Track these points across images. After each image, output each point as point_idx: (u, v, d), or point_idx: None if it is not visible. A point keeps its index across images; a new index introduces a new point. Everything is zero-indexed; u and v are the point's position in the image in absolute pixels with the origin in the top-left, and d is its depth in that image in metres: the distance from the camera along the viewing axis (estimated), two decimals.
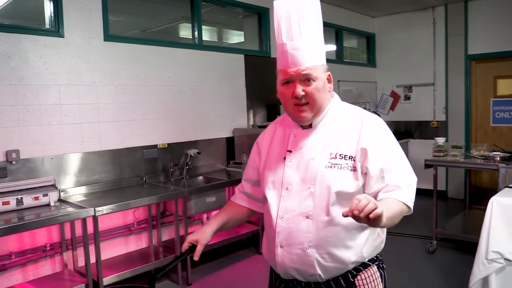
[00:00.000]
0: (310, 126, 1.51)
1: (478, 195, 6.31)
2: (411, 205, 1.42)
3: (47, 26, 3.50)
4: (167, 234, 4.25)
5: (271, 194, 1.53)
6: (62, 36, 3.51)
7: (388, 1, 6.54)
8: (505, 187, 3.42)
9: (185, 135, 4.47)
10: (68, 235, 3.49)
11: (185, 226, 3.81)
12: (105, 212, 3.16)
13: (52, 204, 3.15)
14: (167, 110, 4.30)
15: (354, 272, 1.48)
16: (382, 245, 1.56)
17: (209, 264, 4.31)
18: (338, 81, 6.48)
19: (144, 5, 4.71)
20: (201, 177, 4.52)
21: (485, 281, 2.91)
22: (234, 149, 4.93)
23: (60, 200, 3.32)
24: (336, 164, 1.42)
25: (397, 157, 1.46)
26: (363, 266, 1.49)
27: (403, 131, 7.35)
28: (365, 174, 1.42)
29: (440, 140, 4.88)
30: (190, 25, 4.71)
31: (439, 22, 6.85)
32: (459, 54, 6.62)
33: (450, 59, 6.74)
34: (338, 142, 1.45)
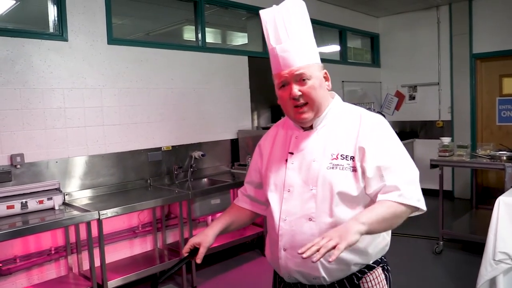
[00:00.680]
0: (311, 127, 1.50)
1: (485, 195, 6.26)
2: (417, 204, 1.36)
3: (51, 30, 3.51)
4: (172, 237, 4.25)
5: (273, 197, 1.52)
6: (66, 40, 3.52)
7: (391, 1, 6.50)
8: (511, 186, 3.39)
9: (189, 137, 4.47)
10: (72, 239, 3.50)
11: (190, 229, 3.80)
12: (109, 215, 3.16)
13: (56, 207, 3.16)
14: (171, 113, 4.30)
15: (359, 275, 1.46)
16: (387, 248, 1.54)
17: (214, 267, 4.30)
18: (343, 81, 6.46)
19: (148, 8, 4.71)
20: (205, 179, 4.52)
21: (493, 282, 2.87)
22: (238, 151, 4.92)
23: (64, 203, 3.33)
24: (338, 165, 1.41)
25: (396, 155, 1.42)
26: (368, 268, 1.48)
27: (409, 131, 7.31)
28: (364, 174, 1.39)
29: (446, 140, 4.84)
30: (193, 27, 4.71)
31: (444, 21, 6.81)
32: (464, 53, 6.58)
33: (455, 58, 6.70)
34: (339, 143, 1.44)
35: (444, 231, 4.53)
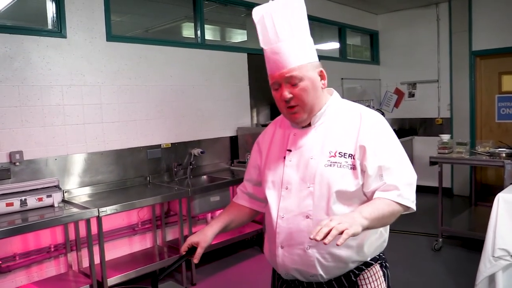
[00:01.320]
0: (309, 125, 1.49)
1: (484, 192, 6.26)
2: (412, 205, 1.39)
3: (49, 27, 3.50)
4: (171, 234, 4.25)
5: (271, 194, 1.52)
6: (65, 37, 3.51)
7: None
8: (511, 183, 3.39)
9: (188, 134, 4.46)
10: (72, 236, 3.50)
11: (189, 226, 3.81)
12: (109, 212, 3.16)
13: (56, 205, 3.16)
14: (171, 110, 4.30)
15: (356, 272, 1.46)
16: (385, 244, 1.54)
17: (214, 264, 4.30)
18: (342, 79, 6.46)
19: (147, 5, 4.70)
20: (205, 177, 4.52)
21: (492, 278, 2.88)
22: (238, 148, 4.92)
23: (64, 201, 3.33)
24: (336, 162, 1.40)
25: (396, 155, 1.42)
26: (365, 265, 1.48)
27: (408, 129, 7.31)
28: (364, 172, 1.39)
29: (445, 137, 4.84)
30: (192, 24, 4.70)
31: (443, 19, 6.80)
32: (463, 51, 6.57)
33: (454, 55, 6.69)
34: (337, 140, 1.43)
35: (444, 228, 4.54)
